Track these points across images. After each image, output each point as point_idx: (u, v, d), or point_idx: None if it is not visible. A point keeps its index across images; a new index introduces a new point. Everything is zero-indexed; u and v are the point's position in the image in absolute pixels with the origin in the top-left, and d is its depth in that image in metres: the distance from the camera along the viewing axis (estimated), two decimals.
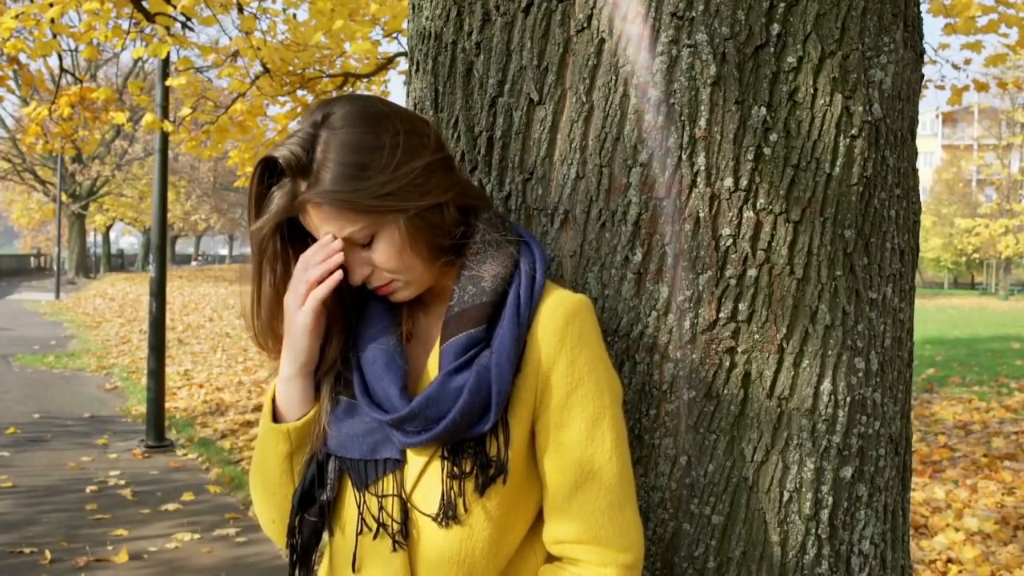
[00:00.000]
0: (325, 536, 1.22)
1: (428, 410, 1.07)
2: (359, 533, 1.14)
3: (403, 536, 1.12)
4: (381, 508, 1.13)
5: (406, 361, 1.14)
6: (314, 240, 1.13)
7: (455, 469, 1.09)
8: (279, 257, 1.14)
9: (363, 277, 1.13)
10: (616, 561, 1.10)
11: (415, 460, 1.12)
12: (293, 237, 1.15)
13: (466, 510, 1.10)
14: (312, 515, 1.18)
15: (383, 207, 1.07)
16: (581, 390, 1.10)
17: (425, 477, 1.12)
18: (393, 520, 1.12)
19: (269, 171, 1.10)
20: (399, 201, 1.07)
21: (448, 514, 1.10)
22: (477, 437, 1.09)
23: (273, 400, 1.19)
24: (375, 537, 1.13)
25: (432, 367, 1.14)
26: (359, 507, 1.14)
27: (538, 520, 1.17)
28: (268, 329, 1.17)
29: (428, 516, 1.11)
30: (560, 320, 1.10)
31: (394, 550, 1.12)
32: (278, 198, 1.09)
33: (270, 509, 1.21)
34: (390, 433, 1.11)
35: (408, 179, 1.07)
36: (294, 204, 1.08)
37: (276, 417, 1.19)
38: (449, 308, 1.12)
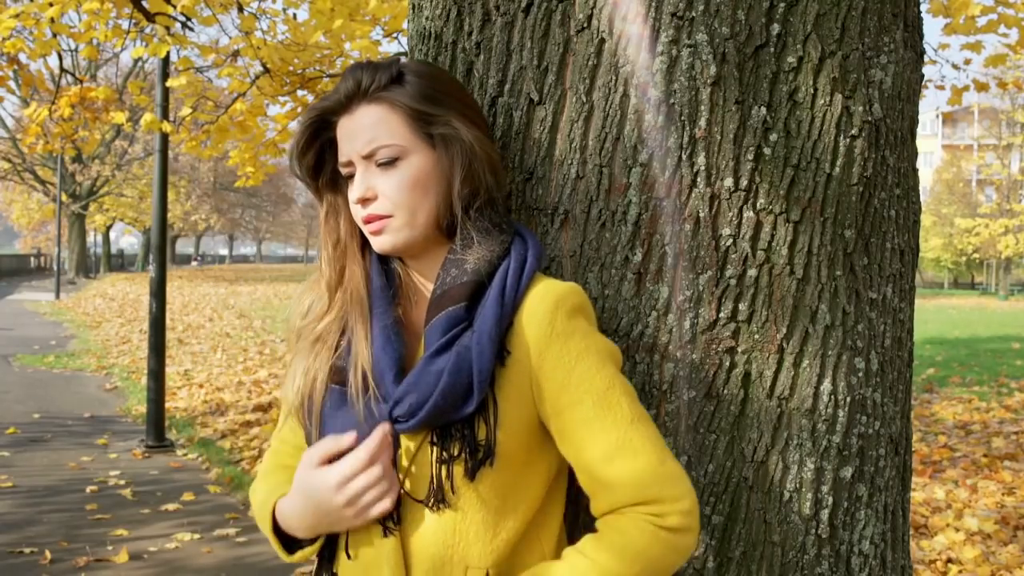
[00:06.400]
0: None
1: (411, 395, 1.08)
2: None
3: (393, 521, 1.12)
4: None
5: (402, 343, 1.15)
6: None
7: (443, 453, 1.10)
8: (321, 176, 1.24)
9: (362, 194, 1.15)
10: (673, 511, 1.07)
11: (406, 446, 1.12)
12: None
13: (454, 492, 1.10)
14: None
15: (435, 129, 1.15)
16: (582, 367, 1.09)
17: (416, 462, 1.12)
18: None
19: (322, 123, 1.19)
20: (450, 130, 1.15)
21: (438, 498, 1.10)
22: (465, 420, 1.09)
23: (274, 510, 1.20)
24: None
25: (420, 354, 1.14)
26: None
27: (545, 508, 1.17)
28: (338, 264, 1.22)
29: (420, 502, 1.11)
30: (550, 303, 1.10)
31: (385, 535, 1.12)
32: (343, 88, 1.16)
33: None
34: (380, 420, 1.11)
35: (465, 123, 1.16)
36: (361, 93, 1.14)
37: (280, 527, 1.19)
38: (433, 291, 1.14)
